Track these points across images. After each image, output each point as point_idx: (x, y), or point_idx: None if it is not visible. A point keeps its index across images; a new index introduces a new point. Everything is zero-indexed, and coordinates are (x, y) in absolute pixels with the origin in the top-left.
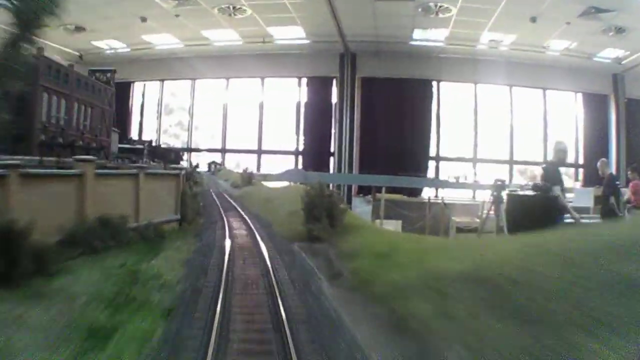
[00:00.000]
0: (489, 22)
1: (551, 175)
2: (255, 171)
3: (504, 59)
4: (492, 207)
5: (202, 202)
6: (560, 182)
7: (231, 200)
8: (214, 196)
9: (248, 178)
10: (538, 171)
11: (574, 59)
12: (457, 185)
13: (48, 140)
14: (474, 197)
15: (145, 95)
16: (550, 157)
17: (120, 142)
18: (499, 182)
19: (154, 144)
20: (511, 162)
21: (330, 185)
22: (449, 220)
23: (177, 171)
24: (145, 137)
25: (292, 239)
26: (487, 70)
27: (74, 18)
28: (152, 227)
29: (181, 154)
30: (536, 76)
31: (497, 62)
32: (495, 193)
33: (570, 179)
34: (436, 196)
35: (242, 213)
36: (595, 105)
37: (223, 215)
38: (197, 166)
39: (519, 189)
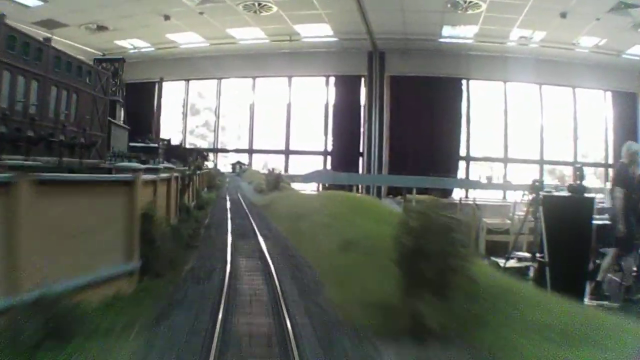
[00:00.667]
0: (519, 18)
1: (623, 177)
2: (282, 172)
3: (533, 56)
4: (530, 209)
5: (208, 219)
6: (632, 185)
7: (250, 216)
8: (229, 207)
9: (274, 181)
10: (567, 171)
11: (603, 56)
12: (489, 185)
13: (11, 133)
14: (504, 197)
15: (163, 94)
16: (620, 158)
17: (134, 141)
18: (537, 183)
19: (173, 142)
20: (541, 162)
21: (360, 185)
22: (479, 221)
23: (129, 176)
24: (168, 137)
25: (369, 328)
26: (516, 69)
27: (95, 17)
28: (49, 304)
29: (206, 154)
30: (566, 74)
31: (527, 59)
32: (533, 194)
33: (599, 180)
34: (466, 197)
35: (263, 245)
36: (625, 103)
37: (229, 251)
38: (198, 167)
39: (553, 190)
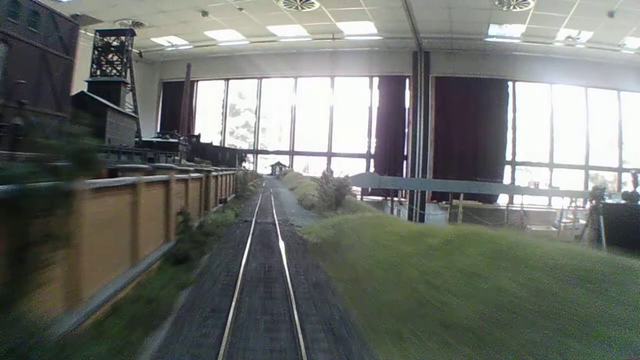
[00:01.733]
0: (567, 16)
1: None
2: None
3: (579, 57)
4: (590, 217)
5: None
6: None
7: (299, 325)
8: (247, 258)
9: (336, 194)
10: (609, 177)
11: None
12: (537, 191)
13: None
14: (549, 204)
15: (202, 93)
16: None
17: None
18: (598, 191)
19: (202, 140)
20: (587, 167)
21: (404, 191)
22: (524, 228)
23: None
24: (197, 134)
25: None
26: (562, 70)
27: (130, 12)
28: None
29: (244, 155)
30: (611, 76)
31: (573, 60)
32: (593, 202)
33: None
34: (512, 202)
35: None
36: None
37: None
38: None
39: (607, 197)
